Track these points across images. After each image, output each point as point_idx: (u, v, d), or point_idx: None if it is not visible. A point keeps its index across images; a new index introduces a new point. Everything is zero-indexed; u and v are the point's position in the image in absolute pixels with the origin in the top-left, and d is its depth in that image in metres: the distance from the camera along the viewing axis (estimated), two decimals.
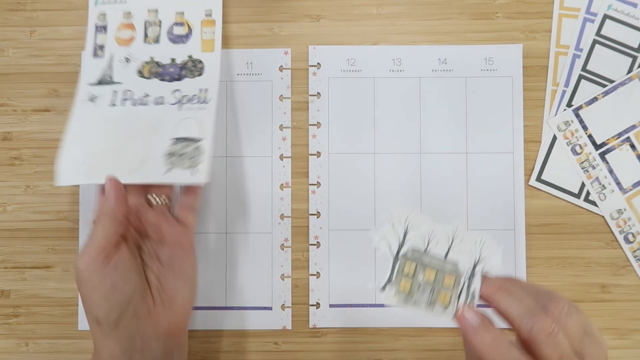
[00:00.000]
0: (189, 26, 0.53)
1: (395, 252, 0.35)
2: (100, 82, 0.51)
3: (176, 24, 0.53)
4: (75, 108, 0.50)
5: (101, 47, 0.52)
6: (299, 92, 0.53)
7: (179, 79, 0.51)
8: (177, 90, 0.51)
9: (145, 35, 0.53)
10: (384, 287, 0.35)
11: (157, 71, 0.51)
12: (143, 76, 0.51)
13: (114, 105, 0.50)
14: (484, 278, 0.35)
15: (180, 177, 0.47)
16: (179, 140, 0.48)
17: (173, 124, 0.49)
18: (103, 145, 0.49)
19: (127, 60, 0.52)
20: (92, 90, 0.51)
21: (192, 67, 0.51)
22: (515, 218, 0.52)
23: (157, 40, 0.53)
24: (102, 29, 0.53)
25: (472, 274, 0.35)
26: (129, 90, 0.51)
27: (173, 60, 0.52)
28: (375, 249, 0.35)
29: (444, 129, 0.52)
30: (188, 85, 0.51)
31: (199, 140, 0.48)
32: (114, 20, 0.53)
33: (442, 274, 0.34)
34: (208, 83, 0.51)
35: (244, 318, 0.52)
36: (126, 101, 0.50)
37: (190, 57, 0.52)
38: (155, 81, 0.51)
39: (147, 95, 0.51)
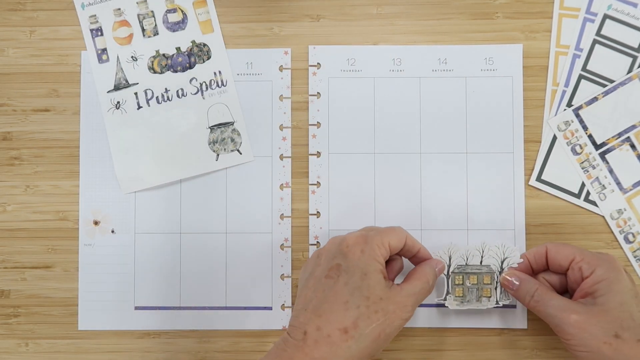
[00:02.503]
0: (182, 11, 0.53)
1: (447, 272, 0.48)
2: (117, 88, 0.52)
3: (169, 11, 0.53)
4: (105, 120, 0.52)
5: (103, 51, 0.53)
6: (299, 92, 0.53)
7: (190, 67, 0.52)
8: (193, 78, 0.52)
9: (143, 29, 0.53)
10: (445, 298, 0.48)
11: (167, 64, 0.52)
12: (155, 72, 0.52)
13: (140, 107, 0.52)
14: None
15: (230, 160, 0.52)
16: (214, 127, 0.52)
17: (203, 114, 0.52)
18: (147, 148, 0.52)
19: (134, 58, 0.52)
20: (113, 97, 0.52)
21: (199, 52, 0.52)
22: (515, 218, 0.52)
23: (155, 32, 0.53)
24: (97, 31, 0.53)
25: (502, 270, 0.47)
26: (149, 89, 0.52)
27: (178, 49, 0.52)
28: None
29: (444, 129, 0.52)
30: (201, 71, 0.53)
31: (232, 123, 0.52)
32: (106, 20, 0.53)
33: (481, 276, 0.47)
34: (219, 64, 0.52)
35: (244, 318, 0.52)
36: (150, 100, 0.52)
37: (193, 42, 0.53)
38: (168, 74, 0.52)
39: (167, 90, 0.52)
